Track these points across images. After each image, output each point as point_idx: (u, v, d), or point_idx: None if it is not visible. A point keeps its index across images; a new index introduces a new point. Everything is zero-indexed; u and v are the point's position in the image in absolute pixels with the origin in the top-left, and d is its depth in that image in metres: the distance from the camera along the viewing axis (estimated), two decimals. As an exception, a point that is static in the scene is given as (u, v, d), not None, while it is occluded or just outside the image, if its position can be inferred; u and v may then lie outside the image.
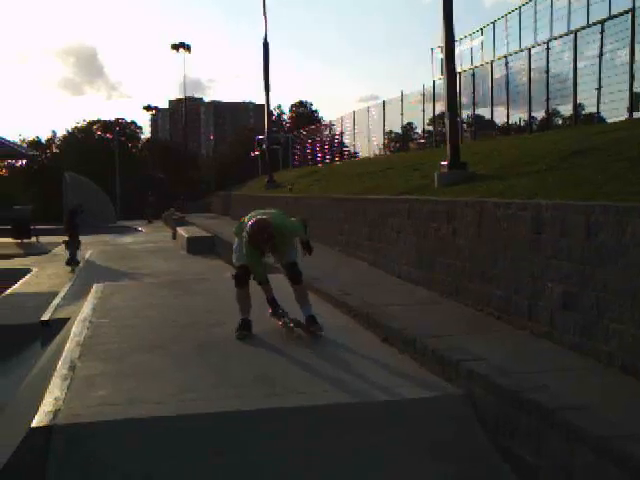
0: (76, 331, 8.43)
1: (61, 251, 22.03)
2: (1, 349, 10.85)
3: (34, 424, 5.18)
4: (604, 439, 4.27)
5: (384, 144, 33.03)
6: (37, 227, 30.54)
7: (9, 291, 15.88)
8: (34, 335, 11.00)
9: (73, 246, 20.65)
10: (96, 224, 35.02)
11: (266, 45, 33.11)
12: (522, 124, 23.23)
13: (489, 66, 23.65)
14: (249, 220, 7.78)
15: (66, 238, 21.14)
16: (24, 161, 70.31)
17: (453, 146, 11.91)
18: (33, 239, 29.73)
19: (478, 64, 26.08)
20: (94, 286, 11.92)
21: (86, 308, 9.98)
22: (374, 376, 6.38)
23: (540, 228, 6.99)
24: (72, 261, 20.06)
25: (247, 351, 7.45)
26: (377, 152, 32.56)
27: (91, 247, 23.31)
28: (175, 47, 69.02)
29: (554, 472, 4.69)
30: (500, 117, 23.42)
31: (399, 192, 12.85)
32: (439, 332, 7.22)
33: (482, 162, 12.59)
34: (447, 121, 12.27)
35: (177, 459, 4.97)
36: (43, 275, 17.82)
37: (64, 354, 7.33)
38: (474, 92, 24.37)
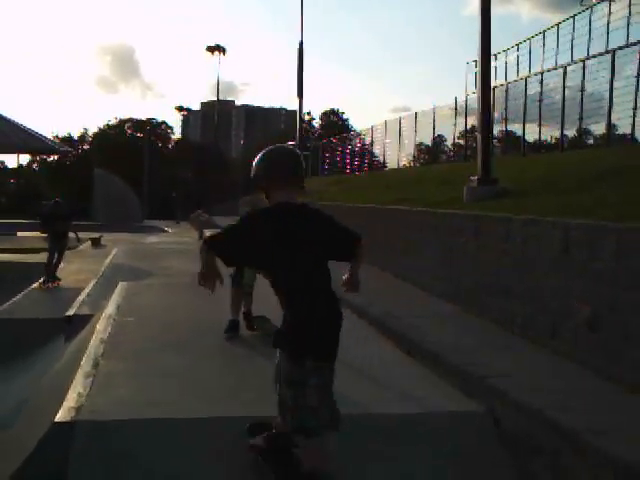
0: (100, 328, 8.49)
1: (88, 248, 22.15)
2: (25, 342, 10.97)
3: (57, 419, 5.22)
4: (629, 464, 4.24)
5: (414, 156, 33.06)
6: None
7: (35, 285, 16.03)
8: (58, 330, 11.08)
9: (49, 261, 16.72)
10: (122, 222, 35.14)
11: (301, 46, 32.99)
12: (553, 142, 23.19)
13: (523, 82, 23.60)
14: None
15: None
16: (55, 157, 71.12)
17: (484, 162, 11.89)
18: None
19: (512, 80, 26.06)
20: (119, 284, 12.00)
21: (111, 306, 10.05)
22: (393, 387, 6.38)
23: (569, 247, 6.95)
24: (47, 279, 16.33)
25: (269, 355, 7.45)
26: (407, 163, 32.57)
27: (117, 245, 23.42)
28: (210, 49, 69.28)
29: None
30: (531, 134, 23.37)
31: (427, 205, 12.82)
32: (461, 347, 7.20)
33: (512, 178, 12.53)
34: (479, 137, 12.25)
35: (198, 461, 4.98)
36: (69, 270, 17.93)
37: (88, 351, 7.37)
38: (506, 108, 24.31)
